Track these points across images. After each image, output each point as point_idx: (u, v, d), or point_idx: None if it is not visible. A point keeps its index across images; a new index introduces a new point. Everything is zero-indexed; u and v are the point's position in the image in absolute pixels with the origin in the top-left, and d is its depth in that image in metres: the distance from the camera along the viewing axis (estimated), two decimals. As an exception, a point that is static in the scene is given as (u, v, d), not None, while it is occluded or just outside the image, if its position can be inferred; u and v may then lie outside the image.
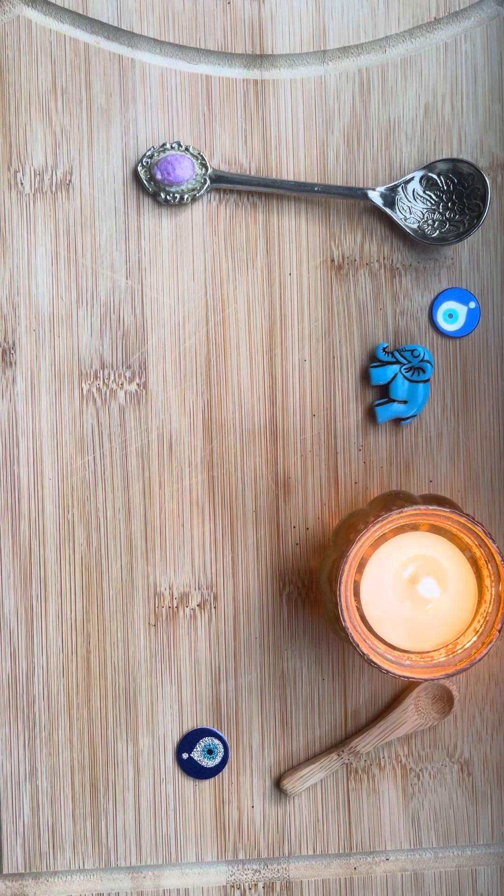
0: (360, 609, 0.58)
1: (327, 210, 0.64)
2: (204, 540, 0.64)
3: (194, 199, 0.63)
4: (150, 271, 0.64)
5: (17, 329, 0.64)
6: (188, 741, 0.64)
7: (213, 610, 0.64)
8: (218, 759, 0.64)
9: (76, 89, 0.63)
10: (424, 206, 0.63)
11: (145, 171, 0.63)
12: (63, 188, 0.64)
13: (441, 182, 0.63)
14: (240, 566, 0.64)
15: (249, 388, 0.64)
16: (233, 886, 0.65)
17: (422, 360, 0.63)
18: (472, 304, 0.64)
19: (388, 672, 0.57)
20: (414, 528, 0.59)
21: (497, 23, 0.64)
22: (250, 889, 0.65)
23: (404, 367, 0.63)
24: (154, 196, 0.64)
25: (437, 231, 0.63)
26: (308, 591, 0.65)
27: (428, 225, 0.63)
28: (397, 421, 0.64)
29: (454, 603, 0.59)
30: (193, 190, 0.63)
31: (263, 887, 0.65)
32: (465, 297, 0.64)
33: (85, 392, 0.64)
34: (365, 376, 0.64)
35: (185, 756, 0.64)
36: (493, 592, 0.58)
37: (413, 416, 0.64)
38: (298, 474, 0.64)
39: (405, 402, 0.63)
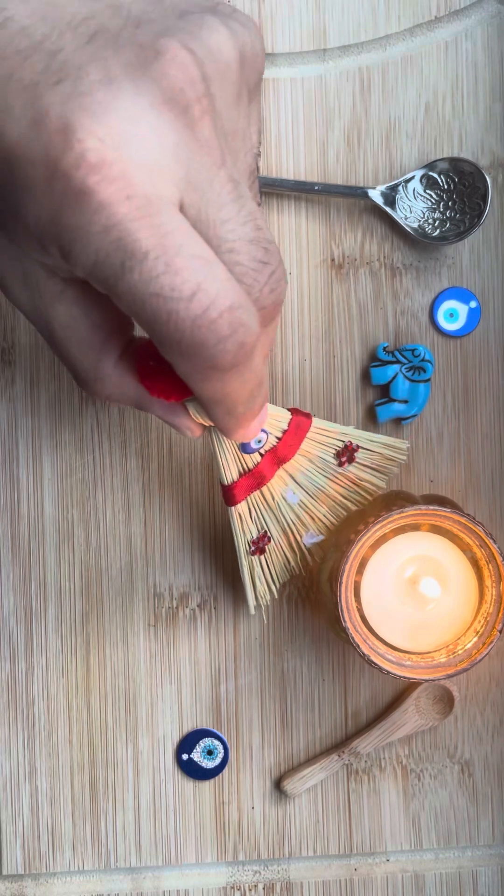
0: (360, 610, 0.58)
1: (327, 209, 0.64)
2: (204, 540, 0.64)
3: (194, 198, 0.63)
4: (149, 271, 0.64)
5: (17, 328, 0.64)
6: (188, 742, 0.64)
7: (213, 610, 0.64)
8: (218, 760, 0.64)
9: (75, 88, 0.63)
10: (425, 205, 0.63)
11: (145, 171, 0.63)
12: (62, 187, 0.63)
13: (442, 181, 0.63)
14: (240, 566, 0.64)
15: (249, 388, 0.64)
16: (233, 888, 0.65)
17: (422, 360, 0.63)
18: (473, 304, 0.64)
19: (388, 673, 0.57)
20: (414, 528, 0.59)
21: (498, 21, 0.64)
22: (250, 890, 0.65)
23: (405, 366, 0.63)
24: (154, 195, 0.63)
25: (438, 230, 0.63)
26: (308, 591, 0.64)
27: (428, 224, 0.63)
28: (398, 421, 0.64)
29: (455, 603, 0.59)
30: (193, 189, 0.63)
31: (264, 888, 0.65)
32: (465, 296, 0.64)
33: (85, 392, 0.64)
34: (365, 376, 0.64)
35: (184, 757, 0.64)
36: (494, 593, 0.57)
37: (414, 415, 0.64)
38: (298, 474, 0.64)
39: (406, 401, 0.63)
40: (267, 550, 0.59)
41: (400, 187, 0.63)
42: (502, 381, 0.65)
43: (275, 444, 0.56)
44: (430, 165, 0.63)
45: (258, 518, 0.58)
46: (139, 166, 0.40)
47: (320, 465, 0.58)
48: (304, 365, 0.64)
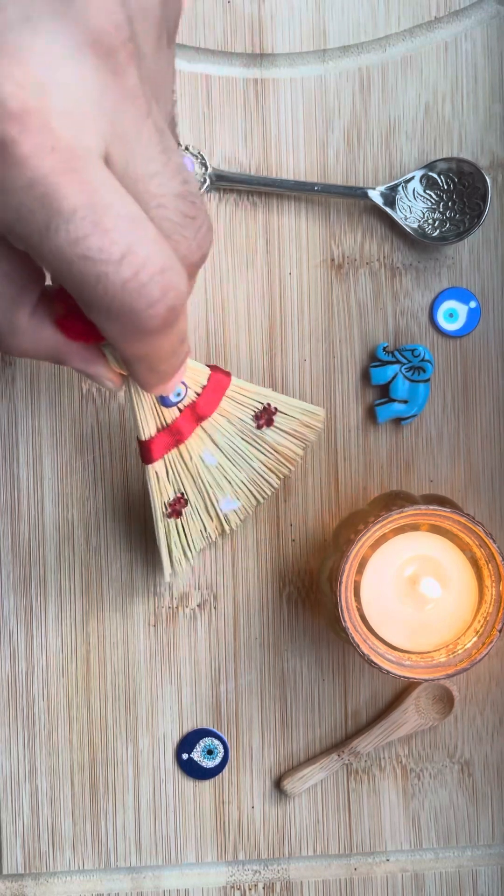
0: (360, 609, 0.58)
1: (327, 209, 0.64)
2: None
3: (194, 198, 0.63)
4: (149, 271, 0.64)
5: (17, 329, 0.64)
6: (188, 742, 0.64)
7: (213, 610, 0.64)
8: (218, 760, 0.64)
9: (76, 88, 0.63)
10: (425, 206, 0.63)
11: (145, 171, 0.63)
12: (63, 187, 0.63)
13: (441, 181, 0.63)
14: (240, 566, 0.64)
15: (249, 388, 0.64)
16: (233, 887, 0.65)
17: (422, 360, 0.63)
18: (473, 304, 0.64)
19: (388, 672, 0.57)
20: (414, 528, 0.59)
21: (497, 22, 0.64)
22: (250, 890, 0.65)
23: (405, 366, 0.63)
24: (154, 195, 0.63)
25: (438, 230, 0.63)
26: (308, 591, 0.64)
27: (428, 224, 0.63)
28: (397, 421, 0.64)
29: (455, 603, 0.59)
30: (193, 189, 0.63)
31: (263, 888, 0.65)
32: (465, 296, 0.64)
33: (84, 392, 0.64)
34: (365, 376, 0.64)
35: (184, 756, 0.64)
36: (494, 592, 0.57)
37: (413, 415, 0.64)
38: (298, 474, 0.64)
39: (405, 401, 0.63)
40: (184, 514, 0.59)
41: (400, 187, 0.63)
42: (502, 381, 0.65)
43: (194, 399, 0.55)
44: (430, 166, 0.63)
45: (175, 479, 0.57)
46: (62, 115, 0.37)
47: (239, 426, 0.58)
48: (304, 365, 0.64)
